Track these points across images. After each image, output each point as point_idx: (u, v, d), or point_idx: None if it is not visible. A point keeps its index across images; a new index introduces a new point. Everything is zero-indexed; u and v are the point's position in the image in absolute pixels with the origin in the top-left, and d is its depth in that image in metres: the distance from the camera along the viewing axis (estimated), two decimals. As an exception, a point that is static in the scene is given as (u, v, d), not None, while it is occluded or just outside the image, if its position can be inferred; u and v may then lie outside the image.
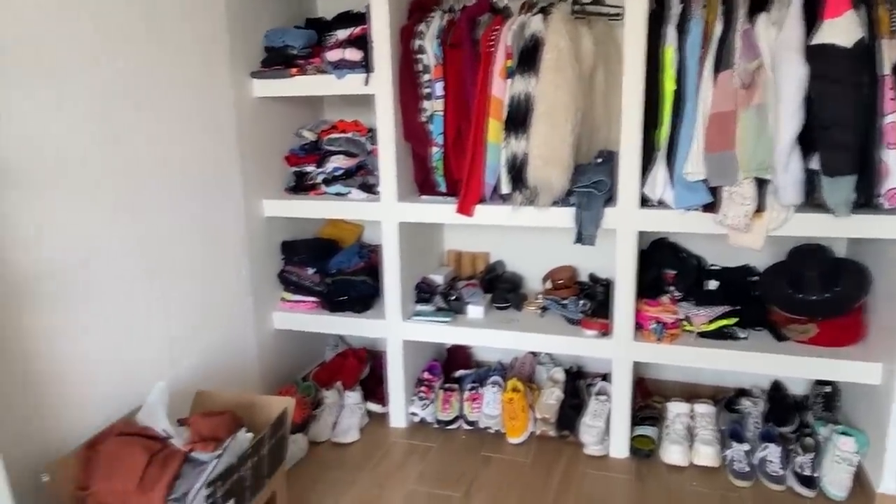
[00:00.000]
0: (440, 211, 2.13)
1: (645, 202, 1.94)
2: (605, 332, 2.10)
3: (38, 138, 1.46)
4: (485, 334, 2.20)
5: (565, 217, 1.98)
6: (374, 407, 2.42)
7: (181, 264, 1.92)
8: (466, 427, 2.32)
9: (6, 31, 1.38)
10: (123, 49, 1.68)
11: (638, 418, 2.19)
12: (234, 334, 2.20)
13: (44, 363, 1.48)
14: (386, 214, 2.18)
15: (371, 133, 2.34)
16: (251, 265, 2.26)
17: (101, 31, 1.61)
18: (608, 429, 2.14)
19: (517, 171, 1.93)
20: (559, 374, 2.41)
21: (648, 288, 2.13)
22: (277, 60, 2.23)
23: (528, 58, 1.90)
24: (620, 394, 2.08)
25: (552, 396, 2.27)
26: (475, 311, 2.27)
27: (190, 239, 1.95)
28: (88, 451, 1.47)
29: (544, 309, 2.30)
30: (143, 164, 1.76)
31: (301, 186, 2.41)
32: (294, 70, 2.19)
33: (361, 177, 2.31)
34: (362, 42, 2.09)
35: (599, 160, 2.01)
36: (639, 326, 2.07)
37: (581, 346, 2.12)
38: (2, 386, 1.38)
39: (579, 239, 1.97)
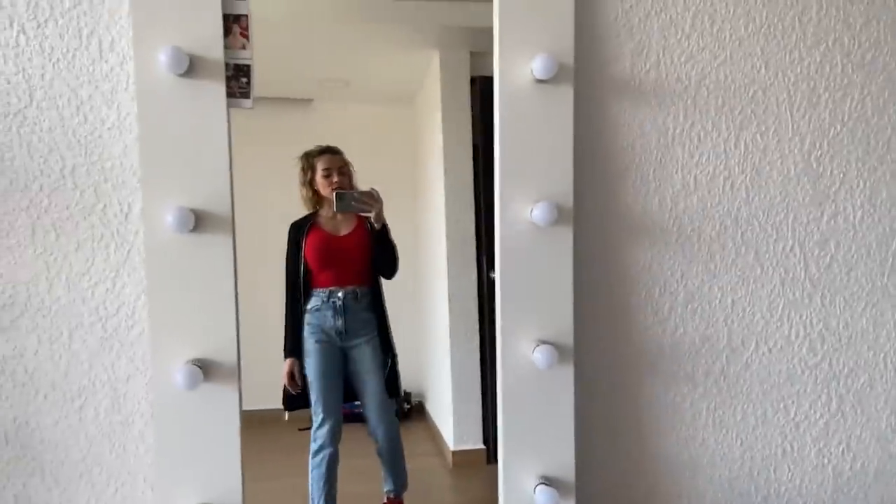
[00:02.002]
0: None
1: None
2: None
3: (696, 191, 1.24)
4: None
5: None
6: None
7: (871, 378, 1.35)
8: None
9: (688, 69, 1.20)
10: (866, 73, 1.25)
11: None
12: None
13: (672, 448, 1.28)
14: None
15: None
16: None
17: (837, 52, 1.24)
18: None
19: None
20: None
21: None
22: None
23: None
24: None
25: None
26: None
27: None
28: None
29: None
30: (853, 234, 1.30)
31: None
32: None
33: None
34: None
35: None
36: None
37: None
38: (618, 464, 1.26)
39: None
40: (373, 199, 1.27)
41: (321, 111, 1.37)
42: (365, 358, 1.32)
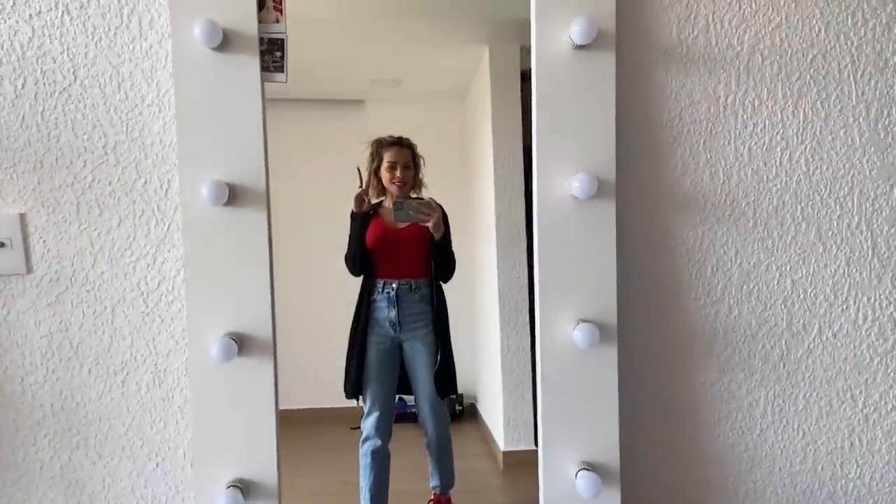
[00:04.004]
0: None
1: None
2: None
3: (769, 165, 1.16)
4: None
5: None
6: None
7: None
8: None
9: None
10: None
11: None
12: None
13: (727, 438, 1.21)
14: None
15: None
16: None
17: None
18: None
19: None
20: None
21: None
22: None
23: None
24: None
25: None
26: None
27: None
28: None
29: None
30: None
31: None
32: None
33: None
34: None
35: None
36: None
37: None
38: (667, 452, 1.20)
39: None
40: (431, 209, 1.26)
41: (373, 111, 1.38)
42: (418, 352, 1.31)
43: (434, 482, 1.36)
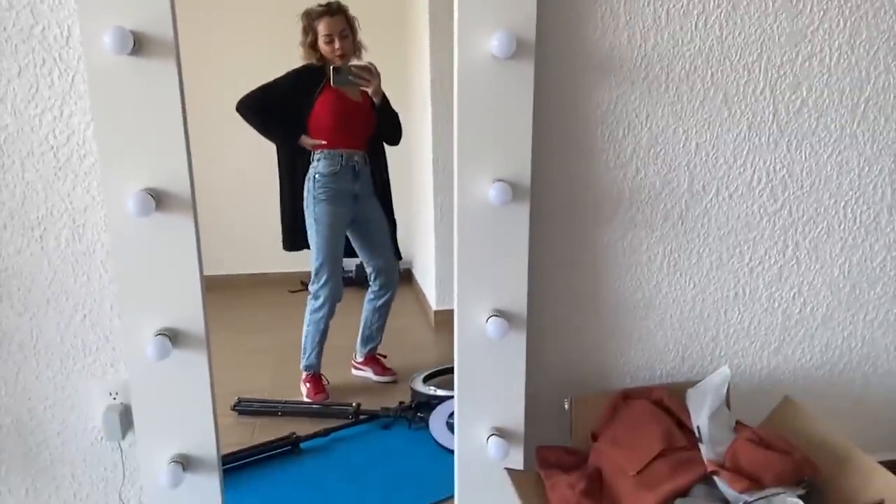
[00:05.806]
0: None
1: None
2: None
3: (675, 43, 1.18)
4: None
5: None
6: None
7: (830, 225, 1.37)
8: None
9: None
10: None
11: None
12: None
13: (625, 290, 1.32)
14: None
15: None
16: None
17: None
18: None
19: None
20: None
21: None
22: None
23: None
24: None
25: None
26: None
27: (866, 187, 1.36)
28: (617, 400, 1.28)
29: None
30: (826, 77, 1.26)
31: None
32: None
33: None
34: None
35: None
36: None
37: None
38: (570, 302, 1.30)
39: None
40: (370, 73, 1.26)
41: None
42: (377, 217, 1.38)
43: (373, 343, 1.47)
